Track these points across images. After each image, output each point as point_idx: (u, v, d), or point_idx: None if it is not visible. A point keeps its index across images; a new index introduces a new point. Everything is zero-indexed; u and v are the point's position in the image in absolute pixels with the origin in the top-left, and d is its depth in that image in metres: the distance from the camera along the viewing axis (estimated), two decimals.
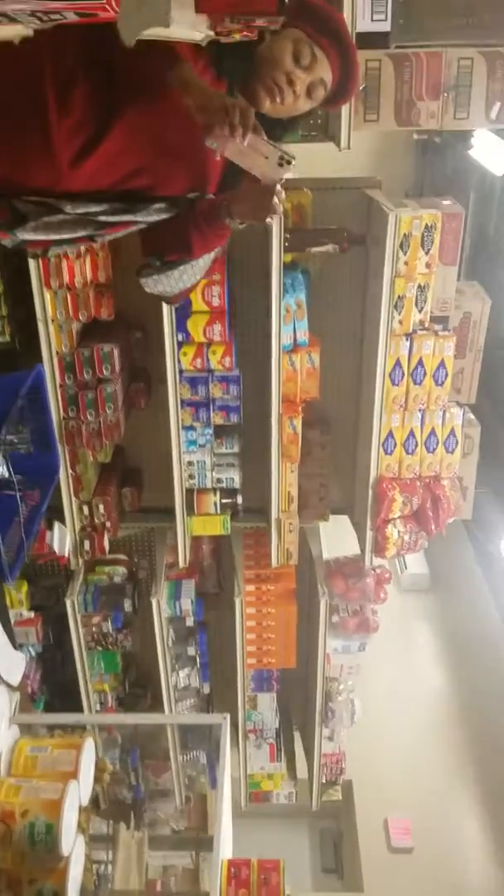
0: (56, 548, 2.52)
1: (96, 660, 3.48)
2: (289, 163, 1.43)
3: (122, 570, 3.42)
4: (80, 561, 3.21)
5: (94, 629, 3.37)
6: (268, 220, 1.53)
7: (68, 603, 3.27)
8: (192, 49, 1.43)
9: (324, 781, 3.84)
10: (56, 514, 3.02)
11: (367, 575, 3.32)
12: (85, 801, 1.54)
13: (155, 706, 3.77)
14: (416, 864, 5.36)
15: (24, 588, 3.33)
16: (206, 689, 3.68)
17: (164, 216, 1.61)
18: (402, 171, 6.24)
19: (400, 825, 5.56)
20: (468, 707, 5.70)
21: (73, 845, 1.45)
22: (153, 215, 1.59)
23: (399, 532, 3.08)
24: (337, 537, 3.80)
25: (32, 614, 3.36)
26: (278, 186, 1.49)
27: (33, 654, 3.46)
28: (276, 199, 1.50)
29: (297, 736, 4.18)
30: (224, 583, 3.62)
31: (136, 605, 3.37)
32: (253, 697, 3.63)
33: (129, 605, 3.35)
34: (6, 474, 1.97)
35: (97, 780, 1.64)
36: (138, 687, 3.85)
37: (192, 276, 1.73)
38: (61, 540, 2.53)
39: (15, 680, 1.77)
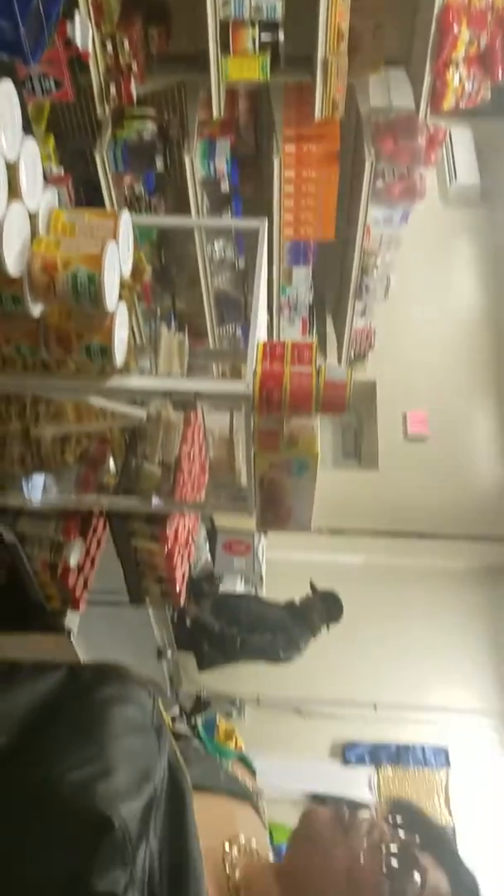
0: (78, 41, 2.28)
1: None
2: None
3: (151, 125, 3.16)
4: (107, 109, 2.96)
5: (126, 191, 3.23)
6: None
7: (98, 159, 3.09)
8: None
9: (353, 356, 3.99)
10: None
11: (419, 133, 3.05)
12: (126, 273, 1.54)
13: (191, 282, 3.77)
14: (428, 451, 5.88)
15: (51, 142, 3.12)
16: (241, 264, 3.66)
17: None
18: None
19: (417, 417, 5.97)
20: (501, 321, 5.75)
21: (116, 304, 1.48)
22: None
23: (461, 77, 2.73)
24: None
25: (62, 172, 3.20)
26: None
27: None
28: None
29: (329, 321, 4.27)
30: (261, 144, 3.37)
31: (168, 164, 3.18)
32: (288, 271, 3.61)
33: (160, 165, 3.16)
34: None
35: (135, 279, 1.64)
36: (174, 265, 3.83)
37: None
38: (83, 33, 2.28)
39: None
